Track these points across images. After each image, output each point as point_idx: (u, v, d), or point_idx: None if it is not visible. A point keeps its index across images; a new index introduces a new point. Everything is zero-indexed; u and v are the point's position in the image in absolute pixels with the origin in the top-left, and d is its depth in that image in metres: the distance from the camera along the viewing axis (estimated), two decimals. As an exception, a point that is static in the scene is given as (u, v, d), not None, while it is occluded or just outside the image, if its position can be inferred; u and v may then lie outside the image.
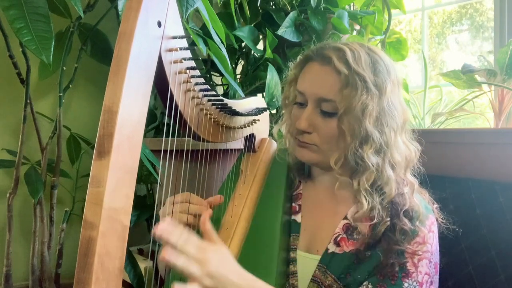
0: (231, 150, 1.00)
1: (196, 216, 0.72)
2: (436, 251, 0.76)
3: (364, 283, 0.72)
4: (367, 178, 0.75)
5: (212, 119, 0.75)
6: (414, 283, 0.71)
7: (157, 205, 1.24)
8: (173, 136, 0.63)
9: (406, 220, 0.73)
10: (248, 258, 0.74)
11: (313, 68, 0.78)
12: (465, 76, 1.22)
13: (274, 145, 0.99)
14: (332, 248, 0.77)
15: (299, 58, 0.84)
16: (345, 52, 0.74)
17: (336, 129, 0.75)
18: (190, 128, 0.69)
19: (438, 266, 0.77)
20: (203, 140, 0.76)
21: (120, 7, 0.92)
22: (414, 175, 0.80)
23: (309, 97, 0.77)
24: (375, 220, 0.74)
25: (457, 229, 0.82)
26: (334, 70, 0.74)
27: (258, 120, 0.93)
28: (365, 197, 0.75)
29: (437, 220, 0.79)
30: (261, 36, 1.47)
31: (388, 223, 0.74)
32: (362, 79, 0.72)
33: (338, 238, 0.78)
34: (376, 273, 0.72)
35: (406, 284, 0.70)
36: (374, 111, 0.73)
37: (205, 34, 1.09)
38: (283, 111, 0.89)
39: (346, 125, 0.74)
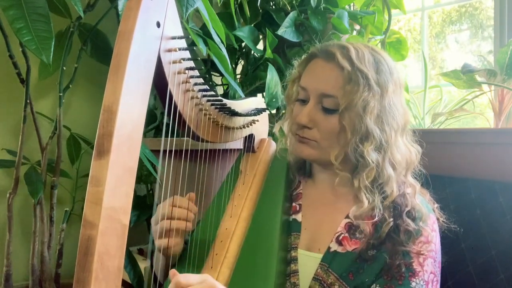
0: (231, 150, 1.00)
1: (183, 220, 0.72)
2: (439, 250, 0.77)
3: (372, 286, 0.72)
4: (367, 175, 0.75)
5: (211, 119, 0.76)
6: (421, 282, 0.71)
7: (156, 205, 1.24)
8: (172, 136, 0.63)
9: (409, 221, 0.74)
10: (247, 258, 0.74)
11: (317, 64, 0.79)
12: (465, 76, 1.22)
13: (273, 145, 0.99)
14: (334, 247, 0.77)
15: (303, 56, 0.85)
16: (349, 50, 0.76)
17: (337, 125, 0.76)
18: (189, 128, 0.70)
19: (441, 265, 0.77)
20: (203, 140, 0.76)
21: (120, 7, 0.93)
22: (415, 178, 0.81)
23: (311, 93, 0.78)
24: (376, 218, 0.74)
25: (457, 229, 0.82)
26: (338, 66, 0.75)
27: (258, 120, 0.93)
28: (365, 194, 0.75)
29: (437, 219, 0.79)
30: (261, 36, 1.47)
31: (392, 223, 0.74)
32: (365, 76, 0.74)
33: (341, 237, 0.78)
34: (383, 275, 0.72)
35: (413, 284, 0.71)
36: (375, 109, 0.74)
37: (205, 34, 1.10)
38: (284, 110, 0.90)
39: (347, 121, 0.74)
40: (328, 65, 0.77)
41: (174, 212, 0.70)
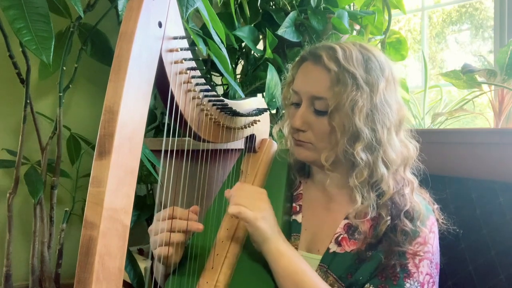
0: (232, 150, 1.00)
1: (183, 232, 0.70)
2: (436, 252, 0.76)
3: (366, 285, 0.72)
4: (358, 174, 0.75)
5: (213, 120, 0.75)
6: (416, 284, 0.71)
7: (157, 205, 1.24)
8: (173, 136, 0.63)
9: (407, 221, 0.74)
10: (248, 258, 0.74)
11: (306, 68, 0.80)
12: (465, 76, 1.23)
13: (275, 145, 0.99)
14: (333, 247, 0.77)
15: (296, 59, 0.85)
16: (336, 50, 0.75)
17: (328, 126, 0.76)
18: (190, 129, 0.69)
19: (439, 266, 0.77)
20: (204, 141, 0.76)
21: (120, 7, 0.92)
22: (414, 174, 0.81)
23: (303, 96, 0.78)
24: (368, 216, 0.74)
25: (457, 229, 0.82)
26: (325, 68, 0.75)
27: (259, 120, 0.93)
28: (358, 194, 0.75)
29: (437, 220, 0.79)
30: (261, 36, 1.47)
31: (389, 222, 0.74)
32: (352, 76, 0.73)
33: (340, 238, 0.78)
34: (377, 274, 0.72)
35: (408, 285, 0.71)
36: (365, 108, 0.73)
37: (205, 34, 1.10)
38: (283, 111, 0.90)
39: (336, 121, 0.74)
40: (316, 67, 0.77)
41: (174, 224, 0.69)
